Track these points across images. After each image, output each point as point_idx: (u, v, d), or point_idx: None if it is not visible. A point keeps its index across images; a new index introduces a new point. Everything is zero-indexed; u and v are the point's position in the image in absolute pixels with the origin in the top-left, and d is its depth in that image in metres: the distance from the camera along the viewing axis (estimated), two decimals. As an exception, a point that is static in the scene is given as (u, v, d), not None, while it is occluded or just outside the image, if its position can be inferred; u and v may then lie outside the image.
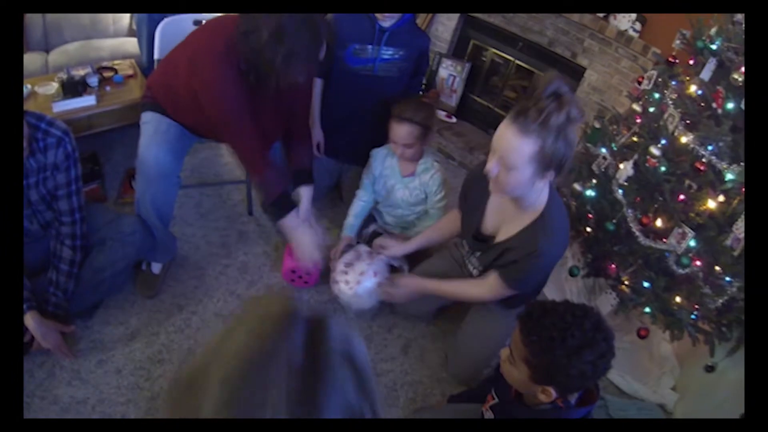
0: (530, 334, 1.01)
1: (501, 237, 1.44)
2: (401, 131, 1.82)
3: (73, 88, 2.11)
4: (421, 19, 3.20)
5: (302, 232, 1.75)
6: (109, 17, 2.89)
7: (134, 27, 2.90)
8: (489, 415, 1.30)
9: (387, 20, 1.93)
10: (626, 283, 1.78)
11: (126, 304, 1.85)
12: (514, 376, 1.08)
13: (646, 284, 1.70)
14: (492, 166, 1.22)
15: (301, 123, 1.90)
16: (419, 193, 1.99)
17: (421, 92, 2.28)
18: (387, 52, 2.00)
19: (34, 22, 2.69)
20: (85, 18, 2.82)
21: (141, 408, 1.58)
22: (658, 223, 1.65)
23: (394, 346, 1.91)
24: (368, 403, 0.55)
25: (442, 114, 3.19)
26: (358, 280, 1.76)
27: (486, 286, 1.49)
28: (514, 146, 1.15)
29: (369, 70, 2.02)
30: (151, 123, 1.78)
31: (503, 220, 1.44)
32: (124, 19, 2.96)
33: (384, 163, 2.01)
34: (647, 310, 1.69)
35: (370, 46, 1.97)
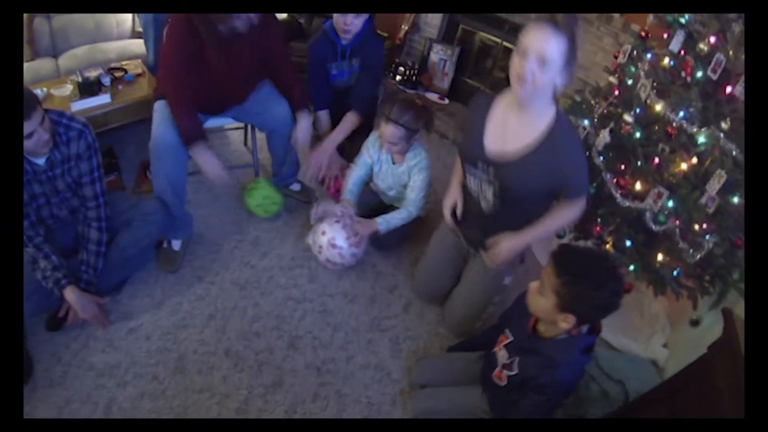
0: (564, 267, 1.27)
1: (510, 149, 1.52)
2: (387, 131, 2.06)
3: (88, 88, 2.41)
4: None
5: (208, 159, 2.06)
6: (113, 21, 3.19)
7: (139, 29, 3.20)
8: (503, 353, 1.53)
9: (344, 39, 2.32)
10: (609, 242, 1.99)
11: (150, 279, 2.15)
12: (541, 305, 1.33)
13: (628, 243, 1.92)
14: (526, 70, 1.37)
15: (281, 71, 2.25)
16: (406, 177, 2.24)
17: (375, 87, 2.59)
18: (352, 65, 2.46)
19: (41, 29, 2.97)
20: (90, 23, 3.11)
21: (169, 367, 1.86)
22: (637, 186, 1.84)
23: (396, 305, 2.20)
24: None
25: (435, 96, 3.48)
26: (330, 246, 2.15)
27: (569, 209, 1.61)
28: (551, 42, 1.33)
29: (345, 85, 2.53)
30: (160, 109, 2.10)
31: (504, 137, 1.55)
32: (127, 22, 3.25)
33: (376, 149, 2.28)
34: (631, 268, 1.91)
35: (337, 63, 2.45)
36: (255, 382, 1.85)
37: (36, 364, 1.82)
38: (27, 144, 1.63)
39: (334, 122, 2.52)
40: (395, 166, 2.25)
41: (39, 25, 2.97)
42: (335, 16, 2.27)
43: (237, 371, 1.88)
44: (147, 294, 2.10)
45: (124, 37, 3.24)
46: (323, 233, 2.16)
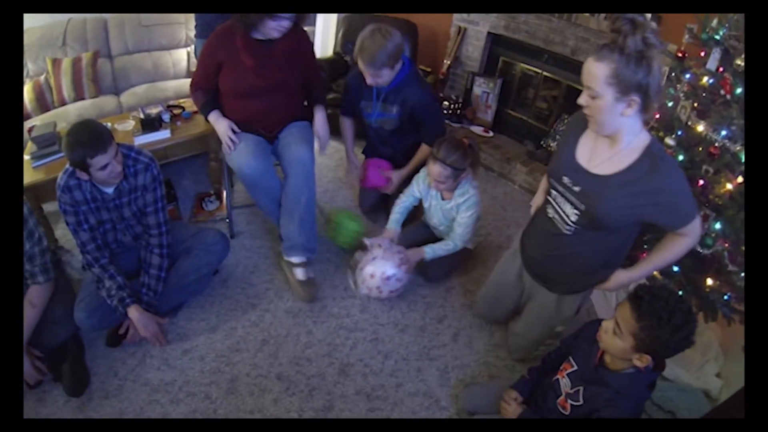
0: (644, 311, 1.29)
1: (600, 171, 1.49)
2: (434, 170, 2.18)
3: (150, 124, 2.66)
4: (452, 41, 3.68)
5: (220, 122, 2.29)
6: (169, 61, 3.54)
7: (195, 59, 3.51)
8: (565, 382, 1.57)
9: (376, 86, 2.43)
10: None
11: (206, 304, 2.31)
12: (617, 345, 1.36)
13: (675, 268, 1.94)
14: (582, 99, 1.41)
15: (312, 73, 2.43)
16: (454, 212, 2.35)
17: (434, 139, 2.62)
18: (381, 109, 2.52)
19: (104, 69, 3.34)
20: (149, 63, 3.45)
21: (222, 388, 1.99)
22: None
23: (445, 334, 2.28)
24: None
25: (479, 129, 3.63)
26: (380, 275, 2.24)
27: (682, 237, 1.53)
28: (592, 71, 1.34)
29: (372, 123, 2.62)
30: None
31: (596, 155, 1.52)
32: (182, 62, 3.58)
33: (425, 186, 2.41)
34: (680, 293, 1.91)
35: (369, 103, 2.55)
36: (305, 406, 1.95)
37: (93, 377, 1.99)
38: (101, 174, 1.84)
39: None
40: (444, 202, 2.36)
41: (102, 65, 3.32)
42: (362, 71, 2.37)
43: (288, 395, 1.98)
44: (203, 318, 2.26)
45: (180, 77, 3.56)
46: (372, 276, 2.25)
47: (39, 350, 1.94)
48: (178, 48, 3.65)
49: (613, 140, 1.46)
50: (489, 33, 3.51)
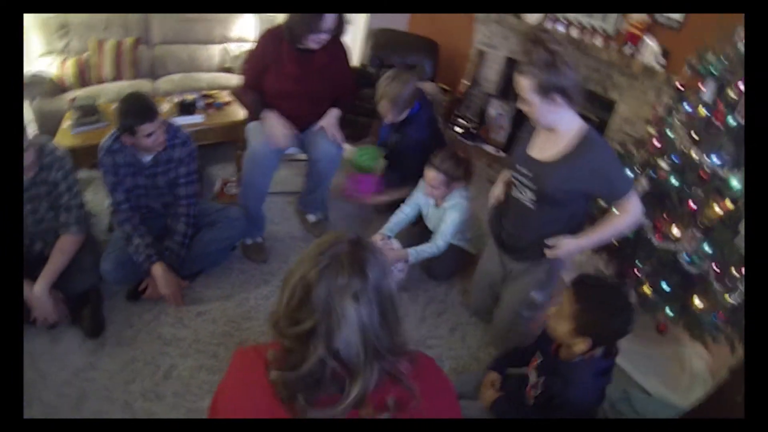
0: (582, 295, 1.52)
1: (546, 157, 1.80)
2: (428, 175, 2.44)
3: (186, 108, 2.96)
4: (472, 63, 3.99)
5: (273, 119, 2.51)
6: (204, 55, 3.87)
7: (227, 65, 3.88)
8: (533, 375, 1.74)
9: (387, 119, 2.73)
10: (646, 284, 2.17)
11: (223, 275, 2.55)
12: (561, 328, 1.55)
13: (664, 285, 2.11)
14: (519, 104, 1.76)
15: (343, 82, 2.70)
16: (443, 215, 2.58)
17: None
18: (391, 135, 2.83)
19: (143, 55, 3.66)
20: (185, 54, 3.78)
21: (229, 349, 2.19)
22: (673, 229, 2.06)
23: (442, 328, 2.51)
24: (386, 331, 0.91)
25: (491, 149, 3.91)
26: None
27: (622, 214, 1.80)
28: (519, 83, 1.67)
29: (385, 139, 2.92)
30: (253, 128, 2.61)
31: (544, 146, 1.83)
32: (215, 58, 3.93)
33: (421, 193, 2.62)
34: (668, 310, 2.09)
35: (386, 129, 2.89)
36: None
37: (109, 325, 2.20)
38: (146, 141, 2.11)
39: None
40: (438, 209, 2.60)
41: (142, 51, 3.64)
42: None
43: (290, 365, 2.18)
44: (219, 287, 2.49)
45: (212, 70, 3.87)
46: None
47: (61, 295, 2.15)
48: (212, 44, 3.97)
49: (553, 132, 1.78)
50: (507, 58, 3.82)
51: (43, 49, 3.50)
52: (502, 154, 3.90)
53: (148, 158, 2.25)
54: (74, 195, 2.13)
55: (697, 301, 2.04)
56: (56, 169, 2.06)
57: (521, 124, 3.72)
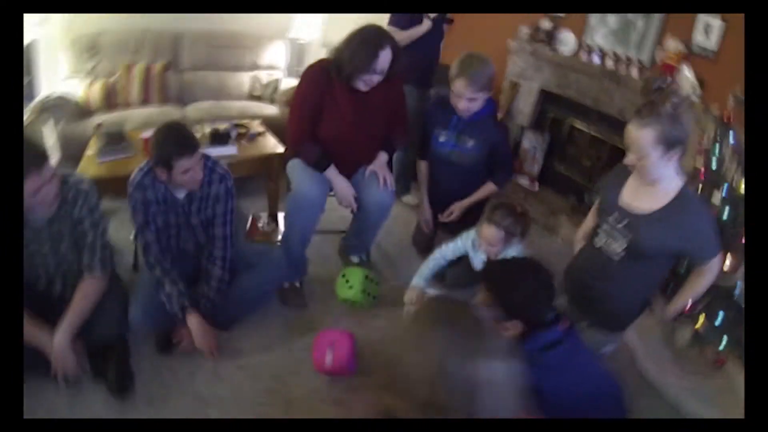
0: (489, 279, 1.52)
1: (643, 208, 1.70)
2: (488, 232, 2.09)
3: (220, 138, 2.67)
4: (505, 96, 3.80)
5: (340, 180, 2.31)
6: (234, 83, 3.63)
7: (256, 93, 3.66)
8: None
9: (464, 113, 2.38)
10: (701, 319, 2.06)
11: (263, 323, 2.23)
12: (493, 321, 1.47)
13: (719, 319, 1.99)
14: (630, 159, 1.63)
15: (397, 124, 2.45)
16: None
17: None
18: (456, 140, 2.47)
19: (172, 80, 3.40)
20: (214, 81, 3.54)
21: (277, 410, 1.88)
22: (727, 263, 1.95)
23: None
24: None
25: (525, 181, 3.68)
26: None
27: (705, 273, 1.74)
28: (637, 137, 1.55)
29: (447, 156, 2.52)
30: (296, 166, 2.32)
31: (638, 196, 1.73)
32: (245, 85, 3.69)
33: (470, 244, 2.29)
34: (723, 343, 1.98)
35: (444, 132, 2.48)
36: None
37: (137, 380, 1.89)
38: (182, 178, 1.83)
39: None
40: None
41: (170, 76, 3.40)
42: (451, 96, 2.36)
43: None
44: (258, 336, 2.17)
45: (241, 98, 3.63)
46: None
47: (83, 346, 1.83)
48: (242, 71, 3.72)
49: (653, 183, 1.66)
50: (541, 89, 3.64)
51: (70, 69, 3.24)
52: (536, 187, 3.68)
53: (182, 194, 1.96)
54: (100, 234, 1.83)
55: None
56: (81, 204, 1.77)
57: (554, 157, 3.70)
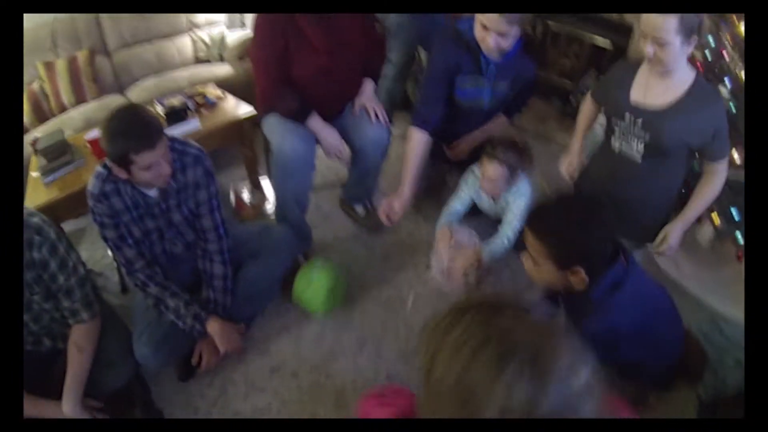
0: (541, 230, 1.26)
1: (658, 103, 1.57)
2: (490, 170, 1.91)
3: (176, 115, 2.24)
4: None
5: (326, 128, 1.99)
6: (173, 49, 3.11)
7: (200, 54, 3.19)
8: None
9: (493, 52, 1.82)
10: (715, 214, 1.94)
11: (281, 310, 1.95)
12: (543, 276, 1.30)
13: (734, 212, 1.88)
14: (648, 49, 1.45)
15: (371, 41, 2.08)
16: (504, 207, 2.03)
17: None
18: (496, 87, 1.98)
19: (102, 66, 2.90)
20: (150, 54, 3.03)
21: (329, 404, 1.65)
22: (736, 156, 1.80)
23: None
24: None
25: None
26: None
27: (714, 175, 1.63)
28: (659, 24, 1.39)
29: (480, 105, 2.02)
30: (271, 123, 1.97)
31: (650, 90, 1.60)
32: (187, 49, 3.18)
33: (473, 188, 2.08)
34: (738, 237, 1.86)
35: (474, 77, 1.94)
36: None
37: (168, 415, 1.66)
38: (145, 176, 1.46)
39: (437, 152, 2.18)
40: (495, 204, 2.07)
41: (100, 63, 2.91)
42: (478, 30, 1.76)
43: (406, 395, 1.69)
44: (282, 327, 1.90)
45: (187, 64, 3.14)
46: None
47: (97, 399, 1.55)
48: (180, 34, 3.17)
49: (664, 75, 1.54)
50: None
51: None
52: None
53: (153, 192, 1.58)
54: (71, 271, 1.48)
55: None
56: (38, 245, 1.39)
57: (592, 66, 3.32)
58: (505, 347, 0.62)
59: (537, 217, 1.30)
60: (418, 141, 1.97)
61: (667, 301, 1.50)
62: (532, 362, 0.61)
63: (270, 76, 1.91)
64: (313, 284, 1.86)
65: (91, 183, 1.54)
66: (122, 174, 1.47)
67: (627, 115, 1.62)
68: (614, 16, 2.81)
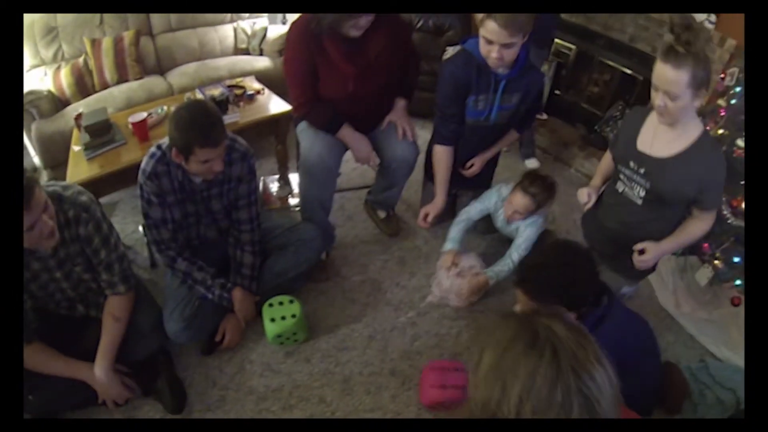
0: (531, 290, 1.39)
1: (661, 154, 1.60)
2: (521, 201, 2.05)
3: (219, 106, 2.29)
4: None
5: (357, 139, 2.05)
6: (215, 38, 3.22)
7: (242, 45, 3.28)
8: None
9: (498, 65, 1.84)
10: (719, 259, 2.00)
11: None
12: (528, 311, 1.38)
13: (736, 259, 1.93)
14: (659, 102, 1.47)
15: (408, 62, 2.12)
16: (515, 233, 2.18)
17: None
18: (504, 101, 1.99)
19: (146, 48, 3.01)
20: (194, 41, 3.14)
21: (336, 389, 1.79)
22: (743, 206, 1.86)
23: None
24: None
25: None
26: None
27: (700, 222, 1.67)
28: (671, 77, 1.40)
29: (485, 121, 2.06)
30: (305, 129, 2.06)
31: (657, 140, 1.62)
32: (229, 39, 3.29)
33: (498, 204, 2.23)
34: (737, 282, 1.93)
35: (484, 97, 1.97)
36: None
37: (188, 389, 1.78)
38: (199, 168, 1.60)
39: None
40: (508, 224, 2.22)
41: (144, 44, 3.01)
42: (483, 45, 1.79)
43: (405, 390, 1.80)
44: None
45: (227, 54, 3.25)
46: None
47: (126, 366, 1.69)
48: (223, 24, 3.28)
49: (673, 127, 1.56)
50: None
51: (30, 61, 2.67)
52: (544, 116, 3.44)
53: (199, 179, 1.71)
54: (113, 248, 1.59)
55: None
56: (84, 222, 1.50)
57: (560, 85, 3.41)
58: (541, 335, 0.72)
59: (526, 279, 1.42)
60: (443, 154, 2.12)
61: (648, 335, 1.61)
62: (569, 354, 0.70)
63: (301, 92, 1.97)
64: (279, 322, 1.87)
65: (144, 161, 1.66)
66: (179, 159, 1.60)
67: (632, 162, 1.67)
68: (648, 49, 2.82)
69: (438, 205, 2.14)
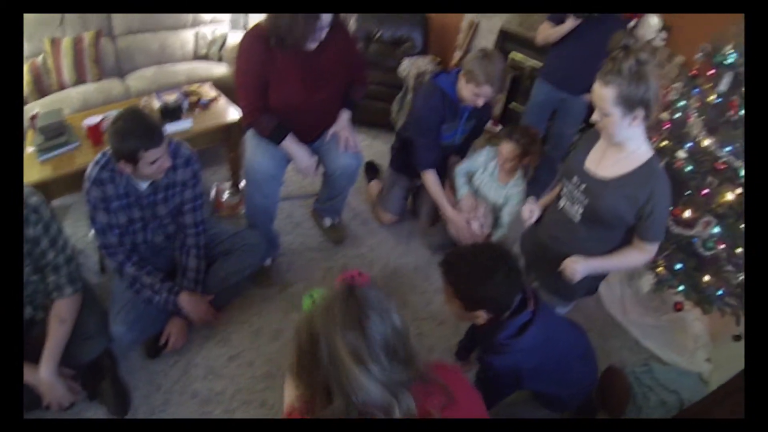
0: (450, 275, 1.42)
1: (604, 174, 1.61)
2: (507, 148, 2.30)
3: (171, 113, 2.40)
4: (464, 34, 3.58)
5: (297, 150, 2.11)
6: (177, 43, 3.25)
7: (202, 51, 3.31)
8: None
9: (474, 104, 2.26)
10: (661, 266, 2.12)
11: (244, 305, 2.16)
12: (454, 310, 1.48)
13: (678, 266, 2.04)
14: (595, 116, 1.53)
15: (354, 74, 2.20)
16: (502, 200, 2.43)
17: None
18: (466, 125, 2.44)
19: (106, 50, 3.02)
20: (155, 44, 3.16)
21: (278, 392, 1.86)
22: (687, 214, 1.98)
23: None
24: (402, 366, 0.94)
25: (488, 123, 3.56)
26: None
27: (638, 253, 1.66)
28: (600, 94, 1.46)
29: (452, 142, 2.48)
30: (251, 137, 2.14)
31: (604, 160, 1.63)
32: (189, 44, 3.32)
33: (488, 162, 2.45)
34: (681, 288, 2.05)
35: (453, 124, 2.38)
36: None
37: (133, 391, 1.83)
38: (149, 169, 1.65)
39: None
40: (500, 185, 2.42)
41: (104, 46, 3.01)
42: (469, 95, 2.19)
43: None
44: (243, 321, 2.11)
45: (187, 59, 3.28)
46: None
47: (70, 369, 1.73)
48: (185, 29, 3.31)
49: (620, 147, 1.57)
50: (501, 29, 3.43)
51: None
52: (499, 127, 3.57)
53: (145, 185, 1.77)
54: (60, 249, 1.64)
55: (707, 278, 2.00)
56: (33, 222, 1.54)
57: (516, 97, 3.55)
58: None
59: (448, 264, 1.44)
60: (432, 177, 2.44)
61: (582, 341, 1.66)
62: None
63: (249, 103, 2.03)
64: None
65: (90, 168, 1.71)
66: (127, 169, 1.66)
67: (575, 178, 1.69)
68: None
69: (460, 216, 2.44)
